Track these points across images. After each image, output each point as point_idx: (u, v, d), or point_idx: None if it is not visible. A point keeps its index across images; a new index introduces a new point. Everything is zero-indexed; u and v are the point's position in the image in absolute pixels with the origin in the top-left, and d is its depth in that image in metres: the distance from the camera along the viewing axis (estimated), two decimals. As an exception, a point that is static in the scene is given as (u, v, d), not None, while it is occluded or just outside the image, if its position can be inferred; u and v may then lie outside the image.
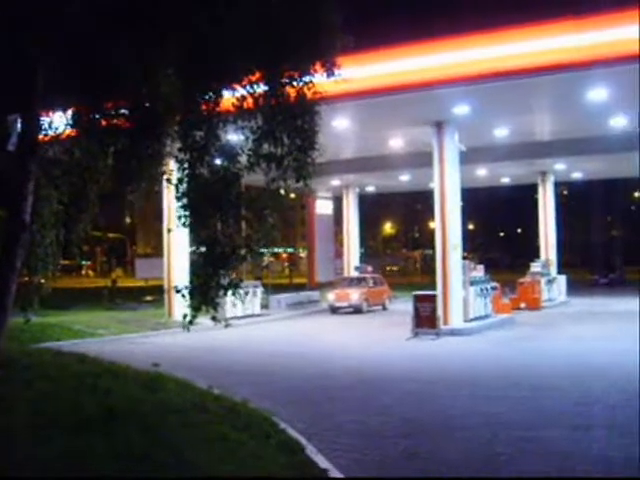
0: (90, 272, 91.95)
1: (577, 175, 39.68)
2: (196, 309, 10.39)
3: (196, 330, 18.03)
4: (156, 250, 71.83)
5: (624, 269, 54.95)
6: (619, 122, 24.26)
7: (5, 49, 10.60)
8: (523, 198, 56.56)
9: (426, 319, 21.88)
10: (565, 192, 63.52)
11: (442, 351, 19.20)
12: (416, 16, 18.86)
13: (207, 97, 10.22)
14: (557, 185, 39.09)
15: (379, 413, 11.64)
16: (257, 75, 10.33)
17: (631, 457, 8.52)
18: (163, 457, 6.64)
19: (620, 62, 16.43)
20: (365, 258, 51.45)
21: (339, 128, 23.17)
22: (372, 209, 65.37)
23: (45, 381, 9.87)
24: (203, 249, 10.58)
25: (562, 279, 36.96)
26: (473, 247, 68.37)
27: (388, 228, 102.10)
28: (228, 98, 10.54)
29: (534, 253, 39.66)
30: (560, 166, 34.66)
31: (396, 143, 28.40)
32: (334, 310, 32.10)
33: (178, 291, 10.66)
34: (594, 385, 13.37)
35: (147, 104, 10.55)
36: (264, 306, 31.09)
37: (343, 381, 14.69)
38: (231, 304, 23.62)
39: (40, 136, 11.66)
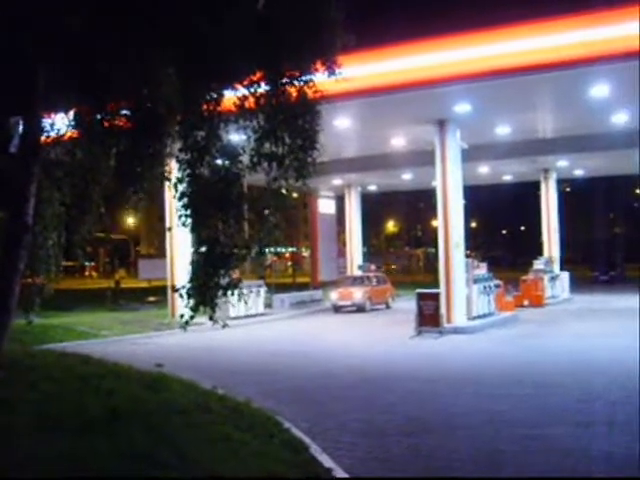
0: (93, 273, 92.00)
1: (579, 172, 39.66)
2: (194, 309, 10.39)
3: (199, 330, 18.15)
4: (159, 251, 71.86)
5: (625, 266, 54.90)
6: (621, 119, 24.24)
7: (6, 50, 10.61)
8: (525, 195, 56.48)
9: (429, 317, 21.85)
10: (568, 189, 63.41)
11: (445, 349, 19.18)
12: (417, 14, 18.83)
13: (208, 97, 10.23)
14: (559, 182, 39.05)
15: (383, 412, 11.64)
16: (258, 74, 10.33)
17: (631, 454, 8.52)
18: (166, 457, 6.64)
19: (621, 59, 16.40)
20: (368, 257, 51.45)
21: (341, 127, 23.17)
22: (374, 208, 65.29)
23: (49, 382, 9.87)
24: (204, 249, 10.58)
25: (565, 276, 36.96)
26: (476, 245, 68.32)
27: (391, 227, 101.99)
28: (229, 98, 10.55)
29: (537, 250, 39.63)
30: (562, 163, 34.60)
31: (398, 142, 28.37)
32: (337, 309, 32.07)
33: (176, 291, 10.67)
34: (597, 382, 13.33)
35: (148, 105, 10.55)
36: (267, 305, 31.09)
37: (346, 380, 14.69)
38: (234, 303, 23.60)
39: (42, 138, 11.67)
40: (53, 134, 11.94)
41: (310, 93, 10.34)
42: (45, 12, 9.88)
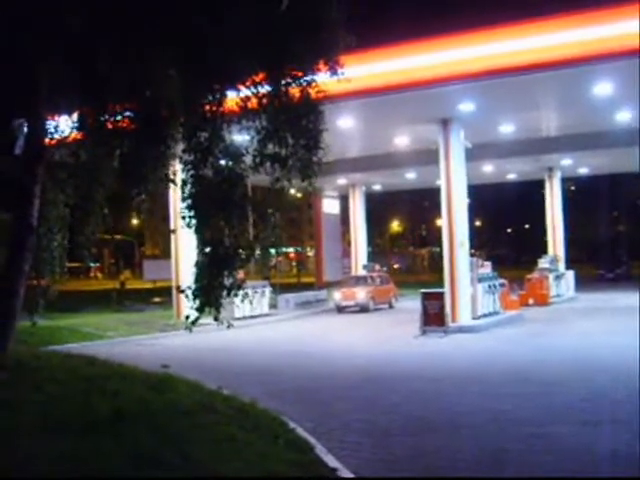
0: (98, 274, 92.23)
1: (584, 170, 39.61)
2: (199, 310, 10.41)
3: (204, 331, 18.14)
4: (164, 252, 71.93)
5: (630, 264, 54.78)
6: (625, 117, 24.20)
7: (8, 53, 10.64)
8: (530, 194, 56.42)
9: (434, 317, 21.84)
10: (572, 187, 63.33)
11: (450, 348, 19.17)
12: (420, 13, 18.83)
13: (210, 98, 10.23)
14: (564, 181, 38.99)
15: (387, 411, 11.63)
16: (260, 75, 10.34)
17: (632, 452, 8.51)
18: (171, 457, 6.66)
19: (624, 56, 16.39)
20: (373, 256, 51.41)
21: (344, 127, 23.15)
22: (379, 207, 65.27)
23: (54, 384, 9.88)
24: (208, 250, 10.60)
25: (570, 274, 36.91)
26: (480, 244, 68.24)
27: (395, 226, 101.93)
28: (232, 98, 10.55)
29: (541, 249, 39.57)
30: (567, 162, 34.56)
31: (402, 141, 28.35)
32: (340, 309, 32.00)
33: (182, 291, 10.69)
34: (601, 381, 13.31)
35: (151, 106, 10.57)
36: (272, 306, 31.13)
37: (351, 380, 14.69)
38: (239, 304, 23.63)
39: (46, 139, 11.71)
40: (57, 136, 11.98)
41: (313, 93, 10.34)
42: (44, 13, 9.91)
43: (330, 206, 42.84)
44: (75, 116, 11.60)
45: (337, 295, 32.63)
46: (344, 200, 42.69)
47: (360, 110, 22.00)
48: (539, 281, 32.18)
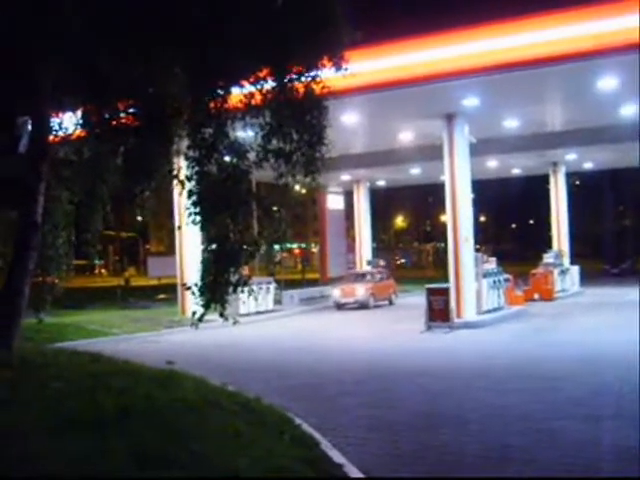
0: (103, 271, 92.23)
1: (588, 165, 39.49)
2: (205, 306, 10.42)
3: (209, 327, 18.15)
4: (169, 248, 71.95)
5: (635, 259, 54.63)
6: (630, 111, 24.12)
7: (11, 51, 10.64)
8: (534, 189, 56.24)
9: (439, 312, 21.82)
10: (577, 182, 63.17)
11: (455, 344, 19.17)
12: (424, 8, 18.81)
13: (214, 94, 10.23)
14: (568, 176, 38.92)
15: (393, 407, 11.65)
16: (264, 71, 10.34)
17: (633, 445, 8.52)
18: (177, 454, 6.66)
19: (629, 50, 16.32)
20: (377, 252, 51.36)
21: (348, 122, 23.14)
22: (383, 203, 65.19)
23: (60, 381, 9.89)
24: (213, 246, 10.61)
25: (575, 269, 36.84)
26: (485, 239, 68.18)
27: (400, 222, 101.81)
28: (236, 95, 10.55)
29: (546, 244, 39.52)
30: (571, 156, 34.48)
31: (406, 136, 28.30)
32: (339, 306, 31.36)
33: (188, 288, 10.70)
34: (606, 376, 13.31)
35: (155, 103, 10.57)
36: (277, 302, 31.10)
37: (357, 376, 14.70)
38: (244, 300, 23.65)
39: (50, 137, 11.71)
40: (61, 133, 11.98)
41: (317, 89, 10.34)
42: (47, 12, 9.90)
43: (334, 202, 42.83)
44: (79, 113, 11.61)
45: (336, 292, 32.01)
46: (348, 196, 42.67)
47: (364, 106, 21.99)
48: (544, 276, 32.14)
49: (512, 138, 28.25)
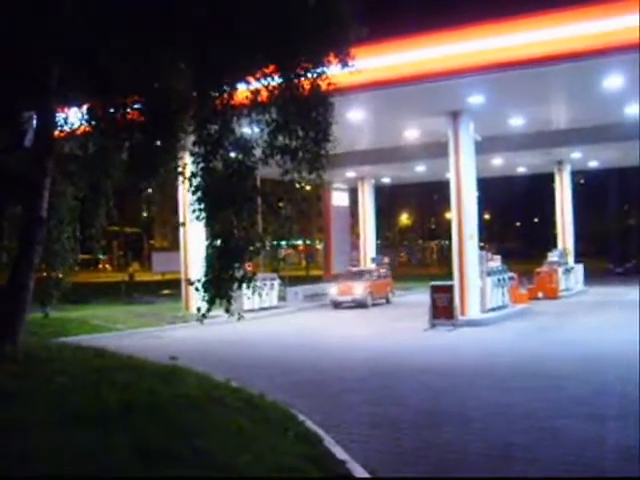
0: (107, 266, 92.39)
1: (593, 164, 39.42)
2: (210, 302, 10.43)
3: (213, 323, 18.15)
4: (173, 244, 72.05)
5: (640, 258, 54.53)
6: (635, 110, 24.06)
7: (19, 47, 10.65)
8: (539, 187, 56.18)
9: (443, 310, 21.82)
10: (582, 181, 63.04)
11: (459, 342, 19.16)
12: (431, 5, 18.77)
13: (221, 90, 10.22)
14: (573, 174, 38.84)
15: (396, 404, 11.64)
16: (271, 67, 10.33)
17: (633, 444, 8.52)
18: (180, 450, 6.67)
19: (635, 49, 16.28)
20: (381, 249, 51.34)
21: (354, 119, 23.12)
22: (388, 200, 65.21)
23: (64, 375, 9.91)
24: (218, 242, 10.61)
25: (579, 268, 36.80)
26: (489, 237, 68.11)
27: (404, 219, 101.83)
28: (242, 91, 10.54)
29: (551, 242, 39.46)
30: (576, 155, 34.43)
31: (411, 134, 28.30)
32: (336, 305, 30.57)
33: (192, 284, 10.71)
34: (609, 375, 13.28)
35: (160, 99, 10.58)
36: (281, 298, 31.13)
37: (360, 373, 14.69)
38: (249, 296, 23.66)
39: (56, 132, 11.72)
40: (66, 128, 11.99)
41: (323, 85, 10.33)
42: (52, 10, 9.91)
43: (339, 199, 42.81)
44: (84, 108, 11.61)
45: (333, 290, 31.33)
46: (353, 193, 42.65)
47: (370, 102, 21.97)
48: (548, 275, 32.12)
49: (517, 136, 28.20)
